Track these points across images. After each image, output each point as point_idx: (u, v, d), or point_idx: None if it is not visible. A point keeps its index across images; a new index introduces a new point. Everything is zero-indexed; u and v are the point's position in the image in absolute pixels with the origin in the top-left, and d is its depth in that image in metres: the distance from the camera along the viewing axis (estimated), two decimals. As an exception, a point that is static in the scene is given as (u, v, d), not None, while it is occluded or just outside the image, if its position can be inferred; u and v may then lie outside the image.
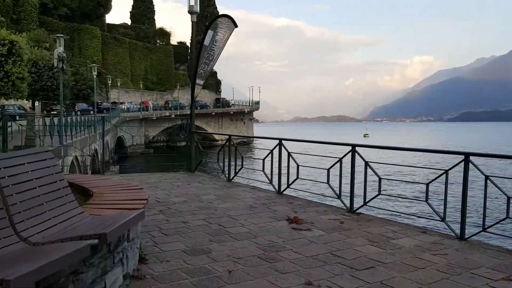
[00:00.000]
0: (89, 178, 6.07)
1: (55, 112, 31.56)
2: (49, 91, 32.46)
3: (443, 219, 5.53)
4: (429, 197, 5.70)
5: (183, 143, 62.50)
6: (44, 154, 3.38)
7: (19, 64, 21.94)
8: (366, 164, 6.30)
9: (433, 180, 5.72)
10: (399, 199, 18.36)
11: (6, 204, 2.80)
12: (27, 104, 41.58)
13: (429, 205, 5.69)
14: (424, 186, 5.75)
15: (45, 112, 36.89)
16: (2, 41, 20.68)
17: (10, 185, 2.90)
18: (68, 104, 43.48)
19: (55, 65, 20.51)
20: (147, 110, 62.10)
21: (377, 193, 6.28)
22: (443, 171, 5.50)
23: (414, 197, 15.38)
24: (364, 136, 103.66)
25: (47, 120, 16.07)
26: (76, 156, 18.25)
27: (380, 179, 6.19)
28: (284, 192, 7.91)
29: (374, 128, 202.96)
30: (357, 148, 6.49)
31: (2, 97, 23.04)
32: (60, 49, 19.63)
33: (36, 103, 36.82)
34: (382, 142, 78.38)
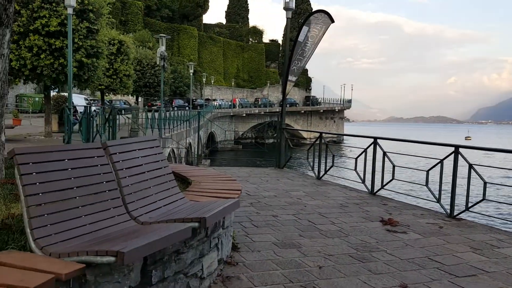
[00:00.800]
0: (187, 168, 6.41)
1: (155, 107, 33.86)
2: (151, 87, 34.87)
3: (560, 231, 4.96)
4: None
5: (271, 140, 63.41)
6: (152, 142, 3.65)
7: (126, 62, 23.92)
8: (470, 166, 5.85)
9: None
10: (506, 205, 16.82)
11: (120, 185, 3.07)
12: (131, 99, 45.09)
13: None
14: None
15: (146, 107, 39.76)
16: (112, 41, 22.66)
17: (124, 169, 3.17)
18: (166, 100, 46.36)
19: (157, 63, 21.94)
20: (235, 107, 63.78)
21: (481, 198, 5.81)
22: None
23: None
24: (466, 139, 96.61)
25: (149, 114, 17.27)
26: (172, 149, 19.39)
27: (485, 183, 5.71)
28: (377, 193, 7.66)
29: (477, 131, 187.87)
30: (460, 150, 6.06)
31: (111, 93, 25.28)
32: (162, 48, 20.96)
33: (139, 99, 39.75)
34: (487, 145, 72.26)
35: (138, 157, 3.38)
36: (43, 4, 14.24)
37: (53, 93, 20.40)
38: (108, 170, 3.00)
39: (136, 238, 2.43)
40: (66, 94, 17.66)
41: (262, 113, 65.67)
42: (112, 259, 2.15)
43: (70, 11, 12.43)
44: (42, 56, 14.32)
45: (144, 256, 2.62)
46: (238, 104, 64.81)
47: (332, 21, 9.92)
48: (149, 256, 2.64)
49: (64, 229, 2.55)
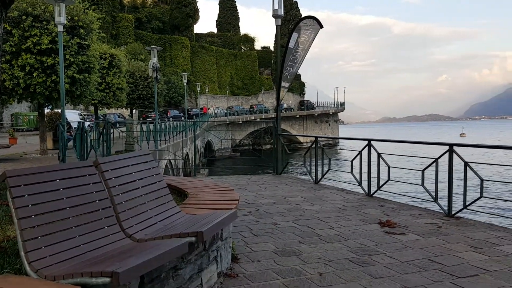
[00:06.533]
0: (183, 179, 6.38)
1: (150, 119, 33.81)
2: (145, 99, 34.83)
3: (559, 225, 4.96)
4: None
5: (268, 146, 63.43)
6: (146, 157, 3.63)
7: (118, 75, 23.90)
8: (466, 164, 5.86)
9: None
10: (504, 202, 16.84)
11: (114, 203, 3.04)
12: (125, 112, 45.05)
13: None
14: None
15: (141, 119, 39.74)
16: (104, 55, 22.65)
17: (117, 186, 3.15)
18: (161, 111, 46.33)
19: (150, 75, 21.93)
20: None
21: (478, 195, 5.81)
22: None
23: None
24: (461, 136, 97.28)
25: (144, 126, 17.23)
26: (169, 160, 19.34)
27: (482, 180, 5.72)
28: (374, 195, 7.65)
29: (471, 127, 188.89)
30: (455, 148, 6.06)
31: (105, 107, 25.22)
32: (154, 60, 20.97)
33: (134, 111, 39.70)
34: (482, 141, 72.62)
35: (132, 173, 3.36)
36: (34, 23, 14.26)
37: (47, 110, 20.35)
38: (101, 188, 2.98)
39: (131, 256, 2.40)
40: (59, 110, 17.62)
41: (258, 119, 65.72)
42: (107, 280, 2.12)
43: (60, 28, 12.42)
44: (34, 74, 14.30)
45: (141, 275, 2.59)
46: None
47: (321, 26, 9.97)
48: (146, 274, 2.61)
49: (58, 251, 2.52)
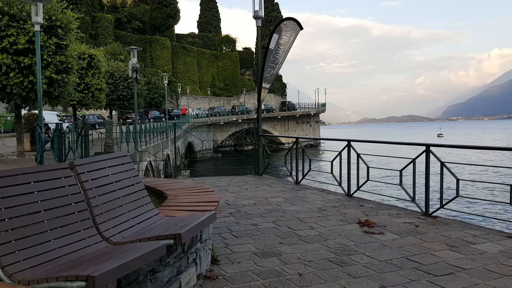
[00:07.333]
0: (163, 181, 6.33)
1: (130, 120, 33.41)
2: (125, 100, 34.39)
3: (531, 223, 5.09)
4: (514, 199, 5.27)
5: (250, 147, 63.46)
6: (123, 159, 3.58)
7: (97, 76, 23.56)
8: (442, 164, 5.97)
9: (518, 181, 5.28)
10: (479, 201, 17.21)
11: (90, 205, 3.00)
12: (105, 113, 44.46)
13: (515, 208, 5.26)
14: (508, 188, 5.33)
15: (121, 120, 39.21)
16: (82, 56, 22.31)
17: (93, 188, 3.10)
18: (141, 112, 45.84)
19: (130, 75, 21.69)
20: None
21: (454, 195, 5.92)
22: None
23: (497, 199, 14.34)
24: (438, 136, 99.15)
25: (124, 127, 17.01)
26: (150, 161, 19.15)
27: (458, 180, 5.83)
28: (354, 195, 7.73)
29: (449, 127, 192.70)
30: (431, 148, 6.17)
31: (83, 108, 24.83)
32: (134, 60, 20.74)
33: (113, 112, 39.16)
34: (458, 141, 74.11)
35: (108, 175, 3.32)
36: (10, 22, 13.94)
37: (24, 112, 19.91)
38: (77, 191, 2.93)
39: (108, 260, 2.37)
40: (37, 111, 17.26)
41: (240, 120, 65.65)
42: (83, 283, 2.09)
43: (37, 28, 12.17)
44: (11, 74, 13.98)
45: (118, 278, 2.56)
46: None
47: (301, 28, 10.02)
48: (123, 277, 2.58)
49: (33, 255, 2.47)
